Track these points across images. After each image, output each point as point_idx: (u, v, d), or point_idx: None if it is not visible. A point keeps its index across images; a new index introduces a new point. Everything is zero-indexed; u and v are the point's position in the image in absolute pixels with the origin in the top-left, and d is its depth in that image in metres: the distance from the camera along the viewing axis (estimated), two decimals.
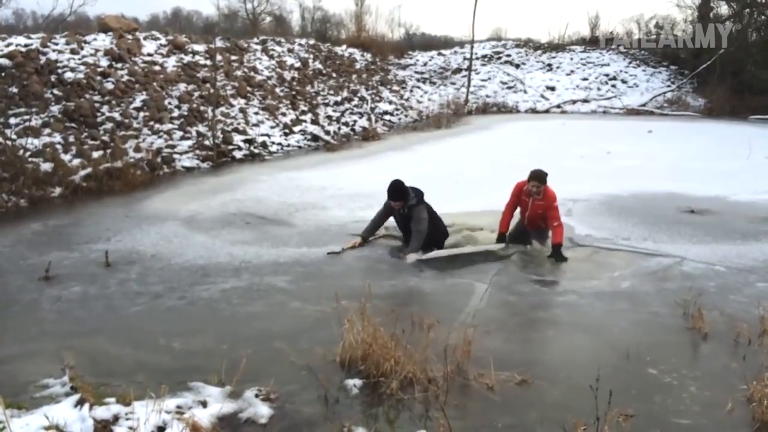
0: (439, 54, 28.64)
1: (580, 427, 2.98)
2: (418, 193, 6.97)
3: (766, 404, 3.67)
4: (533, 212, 6.82)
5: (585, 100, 24.17)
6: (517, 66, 27.19)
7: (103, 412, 3.63)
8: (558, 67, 26.79)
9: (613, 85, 25.26)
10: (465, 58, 26.82)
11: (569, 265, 6.56)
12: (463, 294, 5.73)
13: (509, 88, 25.25)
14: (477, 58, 27.18)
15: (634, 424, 3.50)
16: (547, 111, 23.42)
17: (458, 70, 26.58)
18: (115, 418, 3.61)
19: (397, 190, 6.92)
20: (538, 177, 6.72)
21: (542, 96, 24.54)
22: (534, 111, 23.41)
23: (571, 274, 6.34)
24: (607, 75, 25.91)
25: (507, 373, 4.24)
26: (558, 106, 23.76)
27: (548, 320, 5.23)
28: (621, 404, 3.52)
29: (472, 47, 26.29)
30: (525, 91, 24.83)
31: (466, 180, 10.79)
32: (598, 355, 4.56)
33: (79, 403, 3.70)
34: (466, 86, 24.12)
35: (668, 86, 24.76)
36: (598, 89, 25.09)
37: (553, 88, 25.10)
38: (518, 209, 7.07)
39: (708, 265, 6.57)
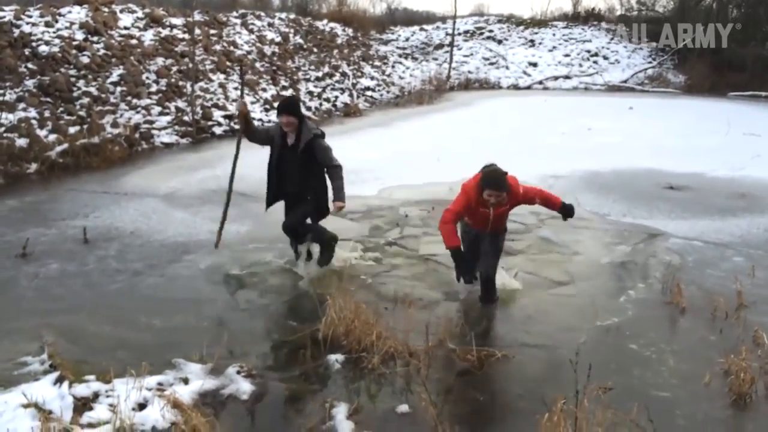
0: (421, 29, 28.41)
1: (560, 400, 3.01)
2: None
3: (743, 377, 3.73)
4: (496, 219, 4.87)
5: (567, 77, 24.16)
6: (500, 42, 27.07)
7: (82, 390, 3.61)
8: (540, 43, 26.71)
9: (595, 62, 25.26)
10: (447, 34, 26.63)
11: (550, 242, 6.58)
12: (446, 272, 5.74)
13: (491, 64, 25.15)
14: (459, 34, 27.00)
15: (612, 396, 3.55)
16: (529, 87, 23.39)
17: (440, 46, 26.40)
18: (95, 396, 3.59)
19: (291, 100, 5.70)
20: (496, 184, 4.62)
21: (524, 72, 24.49)
22: (516, 87, 23.37)
23: (552, 249, 6.37)
24: (588, 51, 25.89)
25: (488, 349, 4.27)
26: (540, 83, 23.74)
27: (529, 296, 5.26)
28: (600, 378, 3.56)
29: (454, 22, 26.11)
30: (507, 67, 24.76)
31: (449, 156, 10.76)
32: (578, 331, 4.61)
33: (59, 380, 3.67)
34: (448, 62, 23.98)
35: (649, 63, 24.83)
36: (580, 65, 25.09)
37: (535, 65, 25.05)
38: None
39: (686, 241, 6.65)
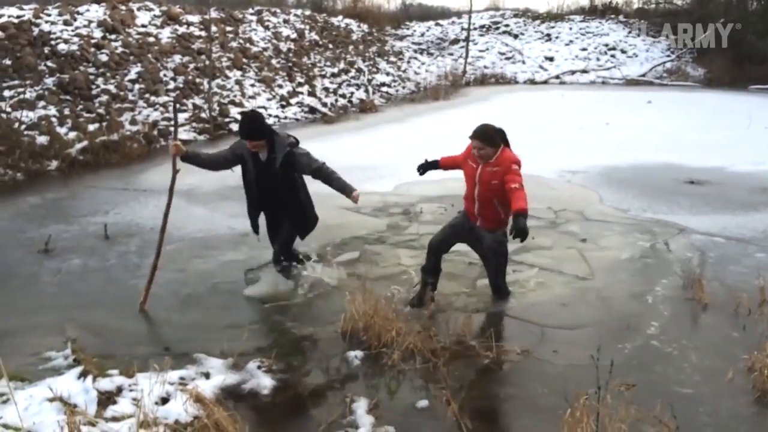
0: (437, 24, 28.30)
1: (582, 396, 2.99)
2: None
3: (767, 373, 3.69)
4: (484, 185, 4.59)
5: (584, 71, 23.98)
6: (516, 36, 26.90)
7: (106, 384, 3.64)
8: (557, 38, 26.51)
9: (613, 55, 25.04)
10: (463, 29, 26.52)
11: (570, 237, 6.54)
12: (464, 268, 5.72)
13: (507, 58, 25.01)
14: (475, 29, 26.87)
15: (634, 393, 3.52)
16: (545, 82, 23.24)
17: (456, 41, 26.29)
18: (119, 390, 3.63)
19: (251, 124, 4.83)
20: (480, 135, 4.52)
21: (541, 67, 24.34)
22: (532, 82, 23.22)
23: (572, 245, 6.33)
24: (606, 45, 25.66)
25: (507, 344, 4.26)
26: (557, 77, 23.57)
27: (549, 292, 5.23)
28: (622, 374, 3.53)
29: (469, 17, 25.99)
30: (523, 62, 24.61)
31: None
32: (599, 327, 4.58)
33: (83, 375, 3.71)
34: (464, 57, 23.88)
35: (668, 56, 24.57)
36: (597, 59, 24.87)
37: (551, 59, 24.87)
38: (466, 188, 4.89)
39: (707, 236, 6.57)
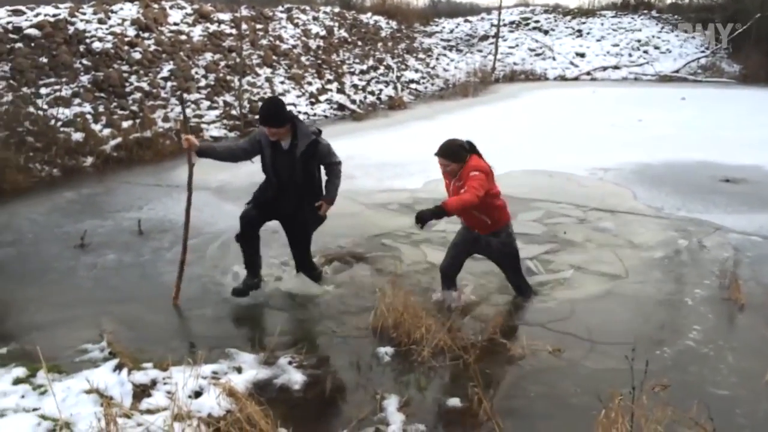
0: (466, 21, 28.17)
1: (617, 397, 2.95)
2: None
3: None
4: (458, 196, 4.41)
5: (616, 67, 23.65)
6: (546, 32, 26.64)
7: (141, 377, 3.71)
8: (588, 33, 26.19)
9: (645, 51, 24.64)
10: (492, 25, 26.36)
11: (603, 235, 6.46)
12: (492, 264, 5.68)
13: (537, 55, 24.79)
14: (504, 25, 26.68)
15: (670, 394, 3.46)
16: (576, 78, 22.99)
17: (485, 37, 26.13)
18: (153, 383, 3.69)
19: (272, 109, 4.63)
20: (443, 152, 4.48)
21: (571, 63, 24.07)
22: (563, 78, 22.99)
23: (605, 243, 6.26)
24: (638, 41, 25.28)
25: (538, 343, 4.23)
26: (588, 73, 23.30)
27: (582, 291, 5.18)
28: (657, 375, 3.48)
29: (499, 13, 25.81)
30: (554, 58, 24.36)
31: (494, 149, 10.63)
32: (632, 326, 4.52)
33: (118, 367, 3.78)
34: (494, 54, 23.73)
35: (702, 52, 24.10)
36: (630, 55, 24.51)
37: (582, 55, 24.59)
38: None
39: (744, 235, 6.44)
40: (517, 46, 25.54)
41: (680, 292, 5.11)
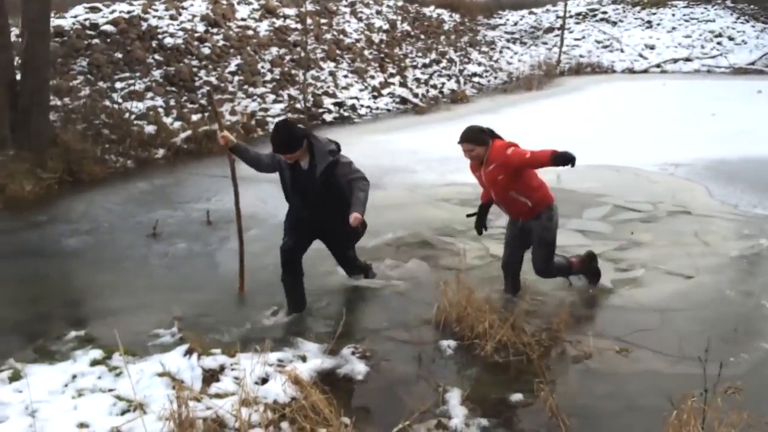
0: (530, 13, 27.63)
1: (689, 398, 2.87)
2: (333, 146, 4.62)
3: None
4: (494, 184, 4.52)
5: (687, 59, 22.76)
6: (614, 24, 25.87)
7: (210, 362, 3.82)
8: (658, 24, 25.28)
9: (719, 43, 23.61)
10: (558, 17, 25.77)
11: (674, 233, 6.26)
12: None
13: (605, 47, 24.10)
14: (570, 17, 26.04)
15: (744, 397, 3.34)
16: (645, 71, 22.23)
17: (550, 30, 25.59)
18: (221, 368, 3.80)
19: (282, 136, 4.41)
20: (467, 137, 4.49)
21: (640, 55, 23.31)
22: (631, 71, 22.27)
23: (677, 241, 6.06)
24: (712, 32, 24.23)
25: (605, 341, 4.14)
26: (657, 66, 22.51)
27: (652, 290, 5.03)
28: (730, 377, 3.36)
29: (565, 5, 25.21)
30: (622, 50, 23.64)
31: (559, 143, 10.45)
32: (705, 327, 4.36)
33: (188, 352, 3.90)
34: (559, 46, 23.23)
35: None
36: (702, 47, 23.53)
37: (652, 47, 23.76)
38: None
39: None
40: (583, 38, 24.91)
41: (755, 292, 4.91)
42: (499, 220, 6.66)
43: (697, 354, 3.32)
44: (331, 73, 15.25)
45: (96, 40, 11.90)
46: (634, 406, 3.51)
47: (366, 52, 17.38)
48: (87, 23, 12.28)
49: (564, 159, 4.06)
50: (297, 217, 4.75)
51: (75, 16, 12.48)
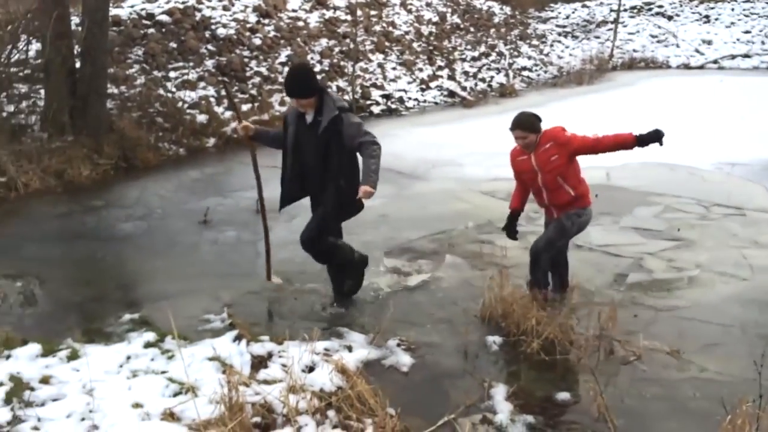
0: (583, 6, 27.09)
1: (744, 403, 2.79)
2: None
3: None
4: (546, 167, 4.32)
5: (746, 55, 22.01)
6: (670, 18, 25.17)
7: (258, 349, 3.89)
8: (716, 19, 24.49)
9: None
10: (611, 10, 25.21)
11: (726, 234, 6.09)
12: (609, 261, 5.51)
13: (659, 42, 23.49)
14: (625, 10, 25.43)
15: None
16: (701, 67, 21.59)
17: (603, 23, 25.05)
18: (269, 355, 3.87)
19: (296, 78, 4.18)
20: (520, 124, 4.35)
21: (697, 50, 22.63)
22: (687, 67, 21.66)
23: (729, 242, 5.89)
24: None
25: (655, 343, 4.06)
26: (714, 62, 21.82)
27: (702, 291, 4.91)
28: None
29: None
30: (677, 45, 23.01)
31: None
32: (759, 331, 4.24)
33: (237, 338, 3.99)
34: (612, 40, 22.72)
35: None
36: (763, 43, 22.70)
37: (709, 42, 23.05)
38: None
39: None
40: (637, 32, 24.32)
41: None
42: (542, 218, 6.60)
43: (752, 358, 3.24)
44: (380, 65, 15.26)
45: (151, 30, 12.16)
46: (684, 409, 3.44)
47: (415, 45, 17.33)
48: (143, 13, 12.56)
49: (653, 138, 4.03)
50: (293, 190, 4.61)
51: (132, 6, 12.77)
